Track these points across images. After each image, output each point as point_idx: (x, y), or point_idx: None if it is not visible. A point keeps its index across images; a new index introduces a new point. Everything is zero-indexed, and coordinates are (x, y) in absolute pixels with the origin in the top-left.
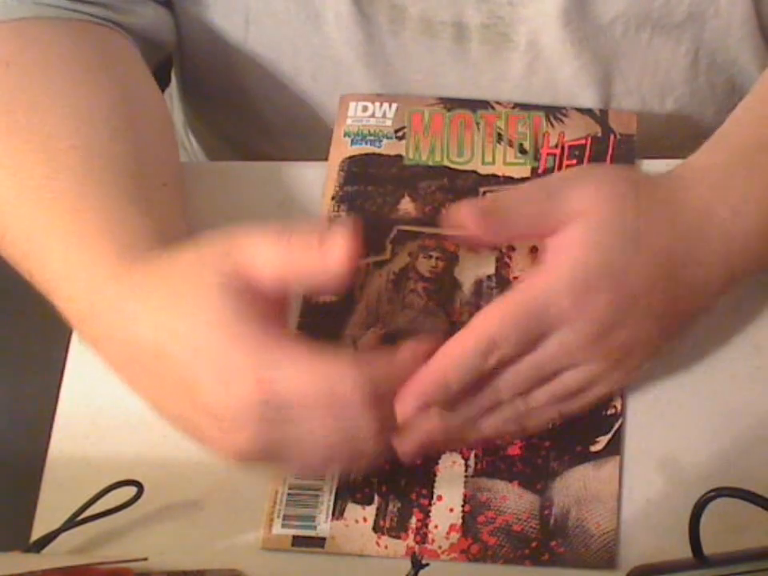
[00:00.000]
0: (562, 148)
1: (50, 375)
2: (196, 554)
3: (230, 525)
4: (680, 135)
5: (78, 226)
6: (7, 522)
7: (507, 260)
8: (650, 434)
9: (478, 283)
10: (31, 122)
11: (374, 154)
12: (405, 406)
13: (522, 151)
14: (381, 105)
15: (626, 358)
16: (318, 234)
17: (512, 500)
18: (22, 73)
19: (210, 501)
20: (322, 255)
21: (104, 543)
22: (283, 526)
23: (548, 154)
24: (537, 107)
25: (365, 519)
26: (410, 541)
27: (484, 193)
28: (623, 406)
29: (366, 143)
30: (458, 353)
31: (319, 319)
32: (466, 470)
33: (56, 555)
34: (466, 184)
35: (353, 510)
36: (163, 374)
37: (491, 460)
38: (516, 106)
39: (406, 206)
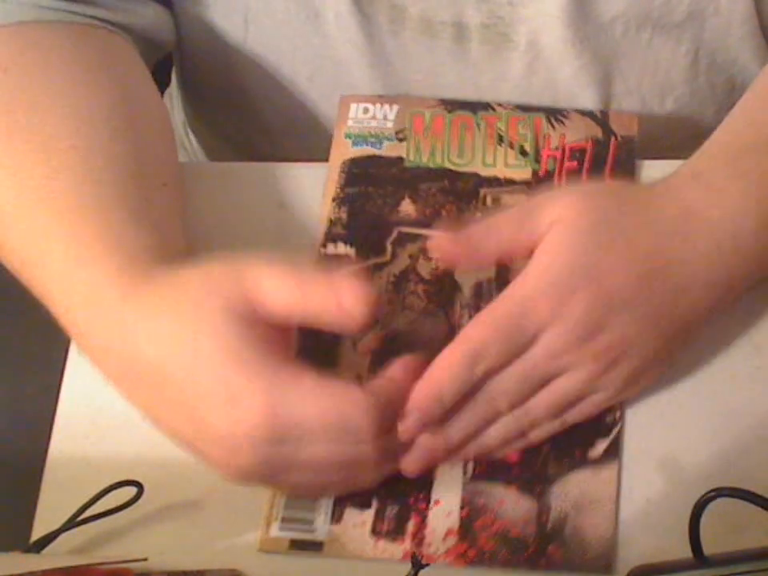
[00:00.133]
0: (563, 150)
1: (50, 375)
2: (196, 554)
3: (229, 525)
4: (680, 135)
5: (77, 231)
6: (7, 522)
7: (509, 263)
8: (649, 434)
9: (478, 286)
10: (31, 122)
11: (374, 155)
12: (406, 424)
13: (523, 153)
14: (382, 106)
15: (618, 362)
16: (334, 279)
17: (510, 504)
18: (22, 75)
19: (210, 501)
20: (338, 304)
21: (104, 543)
22: (281, 528)
23: (549, 156)
24: (538, 109)
25: (363, 523)
26: (408, 544)
27: (485, 195)
28: (622, 412)
29: (367, 145)
30: (446, 366)
31: None
32: (464, 474)
33: (56, 555)
34: (467, 186)
35: (351, 514)
36: (165, 393)
37: (489, 464)
38: (517, 107)
39: (407, 207)
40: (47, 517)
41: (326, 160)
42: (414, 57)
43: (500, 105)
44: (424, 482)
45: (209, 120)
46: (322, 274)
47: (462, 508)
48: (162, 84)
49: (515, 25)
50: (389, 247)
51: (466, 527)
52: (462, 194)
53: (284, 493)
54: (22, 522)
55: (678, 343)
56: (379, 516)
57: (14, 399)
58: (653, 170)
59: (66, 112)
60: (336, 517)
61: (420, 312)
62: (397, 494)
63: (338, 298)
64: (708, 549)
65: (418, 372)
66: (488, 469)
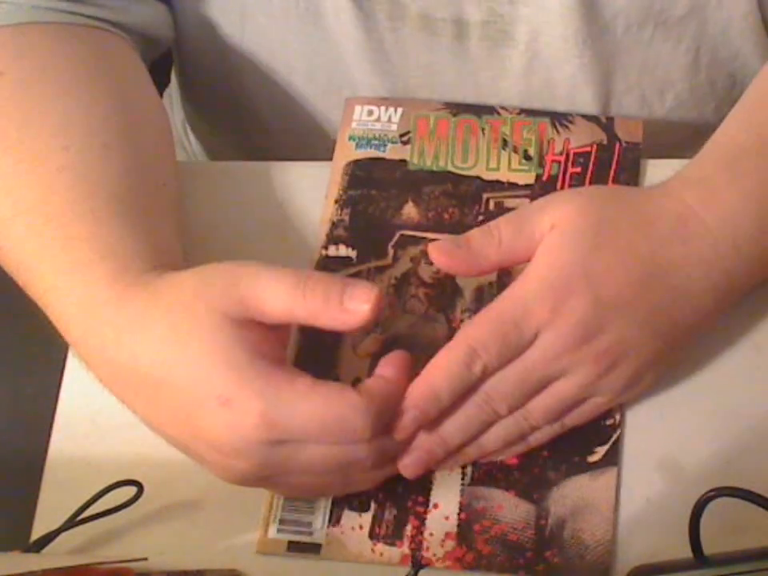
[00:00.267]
0: (567, 155)
1: (50, 375)
2: (196, 554)
3: (229, 525)
4: (679, 133)
5: (71, 237)
6: (7, 522)
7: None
8: (649, 434)
9: (480, 290)
10: (22, 141)
11: (378, 158)
12: (402, 423)
13: (527, 157)
14: (386, 109)
15: (617, 365)
16: (337, 288)
17: (508, 509)
18: (17, 82)
19: (210, 501)
20: (342, 312)
21: (104, 543)
22: (279, 530)
23: (553, 161)
24: (543, 113)
25: (360, 526)
26: (406, 548)
27: (488, 199)
28: (622, 416)
29: (371, 147)
30: (444, 364)
31: None
32: (462, 479)
33: (56, 555)
34: (470, 189)
35: (349, 517)
36: (160, 398)
37: (488, 469)
38: (522, 111)
39: (409, 210)
40: (47, 517)
41: (325, 158)
42: (413, 54)
43: (505, 109)
44: (423, 486)
45: (208, 119)
46: (321, 273)
47: (460, 512)
48: (162, 84)
49: (515, 23)
50: (390, 250)
51: (465, 531)
52: (465, 197)
53: (282, 494)
54: (22, 521)
55: (678, 347)
56: (377, 519)
57: (13, 399)
58: (656, 169)
59: (57, 127)
60: (334, 519)
61: (421, 316)
62: (395, 498)
63: (340, 296)
64: (708, 549)
65: (409, 369)
66: (487, 473)
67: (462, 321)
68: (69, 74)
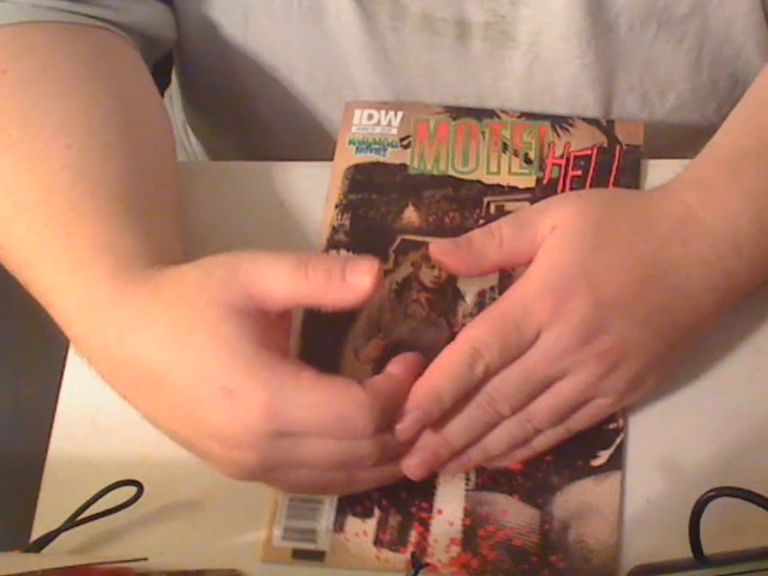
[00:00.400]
0: (568, 158)
1: (50, 375)
2: (196, 554)
3: (229, 525)
4: (680, 133)
5: (72, 235)
6: (7, 522)
7: (511, 272)
8: (650, 434)
9: (481, 294)
10: (22, 140)
11: (378, 162)
12: (404, 423)
13: (528, 161)
14: (386, 113)
15: (620, 365)
16: (338, 264)
17: (512, 514)
18: (18, 81)
19: (210, 501)
20: (345, 287)
21: (104, 543)
22: (283, 538)
23: (553, 164)
24: (543, 117)
25: (365, 533)
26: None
27: (488, 203)
28: (625, 421)
29: (371, 152)
30: (446, 365)
31: (321, 329)
32: (466, 484)
33: (56, 555)
34: (471, 193)
35: (353, 524)
36: (161, 393)
37: (492, 474)
38: (522, 115)
39: (410, 215)
40: (47, 516)
41: (326, 158)
42: (414, 54)
43: (505, 112)
44: (426, 492)
45: (208, 119)
46: (320, 254)
47: (464, 518)
48: (162, 84)
49: (517, 23)
50: (391, 255)
51: (469, 537)
52: (466, 201)
53: (284, 490)
54: (22, 521)
55: (680, 348)
56: (382, 525)
57: (14, 399)
58: (657, 169)
59: (58, 126)
60: (338, 526)
61: (422, 320)
62: (399, 504)
63: (342, 272)
64: (708, 549)
65: (418, 370)
66: (490, 478)
67: (463, 325)
68: (70, 73)
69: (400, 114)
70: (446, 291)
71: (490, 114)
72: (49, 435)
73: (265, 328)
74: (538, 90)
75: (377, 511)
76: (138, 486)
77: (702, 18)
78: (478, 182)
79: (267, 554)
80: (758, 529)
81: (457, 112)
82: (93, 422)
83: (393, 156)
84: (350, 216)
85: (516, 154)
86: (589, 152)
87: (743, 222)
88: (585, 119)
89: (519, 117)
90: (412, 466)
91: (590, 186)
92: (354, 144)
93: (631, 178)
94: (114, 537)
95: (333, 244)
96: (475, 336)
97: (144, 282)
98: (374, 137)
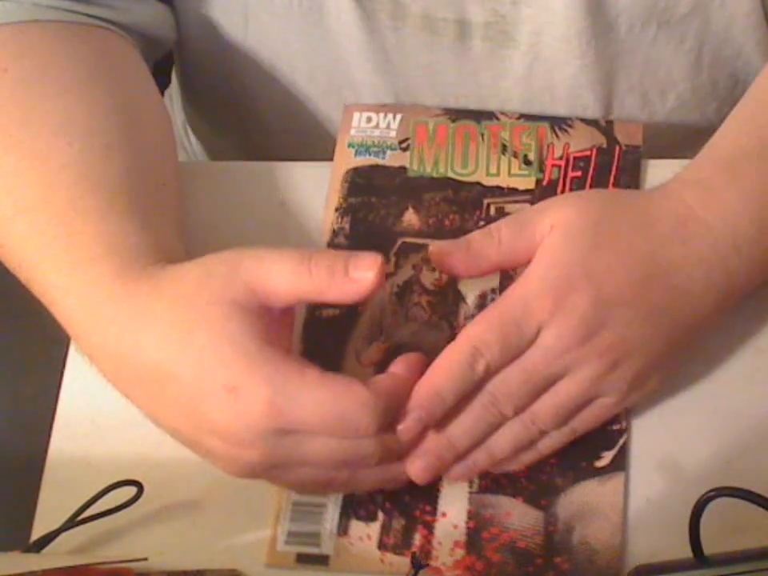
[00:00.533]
0: (567, 159)
1: (50, 375)
2: (196, 554)
3: (229, 525)
4: (680, 133)
5: (74, 233)
6: (7, 522)
7: (512, 273)
8: (650, 435)
9: (482, 296)
10: (23, 139)
11: (378, 165)
12: (406, 423)
13: (527, 162)
14: (385, 116)
15: (621, 363)
16: (341, 260)
17: (516, 516)
18: (19, 80)
19: (210, 501)
20: (348, 282)
21: (104, 543)
22: (287, 543)
23: (553, 166)
24: (542, 118)
25: (369, 537)
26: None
27: (488, 204)
28: (628, 422)
29: (370, 154)
30: (446, 364)
31: (323, 332)
32: (470, 487)
33: (56, 555)
34: (471, 195)
35: (357, 527)
36: (164, 391)
37: (495, 476)
38: (521, 116)
39: (410, 217)
40: (47, 517)
41: (326, 158)
42: (414, 54)
43: (504, 114)
44: (430, 495)
45: (209, 119)
46: (323, 250)
47: (468, 520)
48: (162, 84)
49: (517, 23)
50: (392, 258)
51: (473, 539)
52: (466, 203)
53: (287, 488)
54: (22, 521)
55: (681, 348)
56: (385, 529)
57: (14, 399)
58: (657, 169)
59: (59, 125)
60: (342, 530)
61: (424, 323)
62: (403, 507)
63: (345, 267)
64: (708, 549)
65: (421, 370)
66: (494, 481)
67: (465, 327)
68: (70, 72)
69: (399, 116)
70: (447, 294)
71: (489, 115)
72: (49, 435)
73: (268, 325)
74: (538, 90)
75: (381, 515)
76: (138, 486)
77: (703, 19)
78: (478, 183)
79: (271, 558)
80: (758, 529)
81: (455, 114)
82: (93, 422)
83: (392, 159)
84: (349, 219)
85: (515, 155)
86: (588, 153)
87: (743, 221)
88: (584, 120)
89: (518, 118)
90: (417, 469)
91: (590, 187)
92: (352, 147)
93: (631, 178)
94: (114, 537)
95: (333, 247)
96: (475, 335)
97: (145, 280)
98: (372, 139)
